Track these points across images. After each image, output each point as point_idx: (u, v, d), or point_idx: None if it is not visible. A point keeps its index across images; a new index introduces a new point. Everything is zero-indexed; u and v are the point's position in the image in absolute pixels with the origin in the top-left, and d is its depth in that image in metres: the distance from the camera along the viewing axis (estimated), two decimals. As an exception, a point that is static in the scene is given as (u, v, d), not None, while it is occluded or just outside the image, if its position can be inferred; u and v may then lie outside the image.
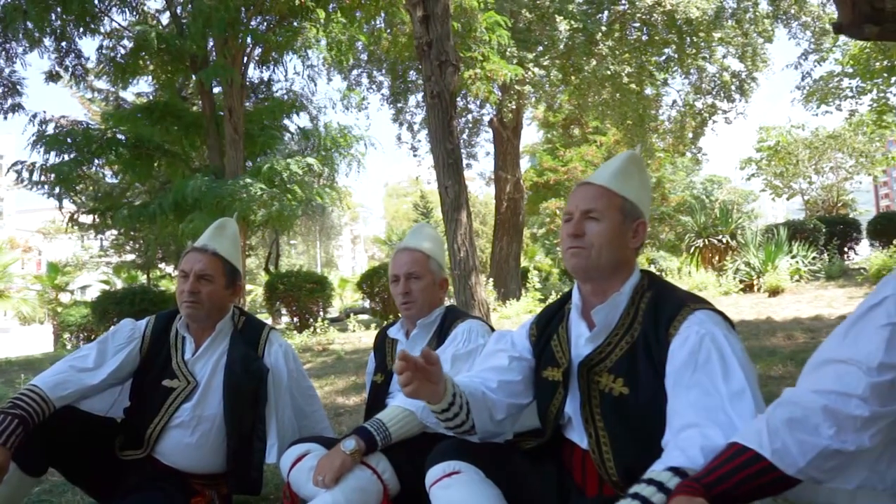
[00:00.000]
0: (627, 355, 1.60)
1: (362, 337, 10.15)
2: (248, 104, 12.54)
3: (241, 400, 2.29)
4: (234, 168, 11.00)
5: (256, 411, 2.31)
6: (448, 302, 2.84)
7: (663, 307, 1.60)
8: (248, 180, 10.49)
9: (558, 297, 1.93)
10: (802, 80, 16.81)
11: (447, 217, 6.18)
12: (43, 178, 11.39)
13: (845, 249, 15.80)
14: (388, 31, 13.64)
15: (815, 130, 28.85)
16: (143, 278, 23.96)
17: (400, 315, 2.50)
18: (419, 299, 2.35)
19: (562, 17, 13.89)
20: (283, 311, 14.21)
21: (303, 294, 13.34)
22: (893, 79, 14.99)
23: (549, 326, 1.83)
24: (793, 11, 14.75)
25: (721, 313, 1.59)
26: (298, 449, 2.13)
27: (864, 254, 16.38)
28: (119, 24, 12.15)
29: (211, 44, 11.38)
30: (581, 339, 1.71)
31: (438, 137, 6.10)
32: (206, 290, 2.28)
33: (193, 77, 12.39)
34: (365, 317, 16.53)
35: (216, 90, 12.17)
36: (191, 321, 2.33)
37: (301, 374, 2.49)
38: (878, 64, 14.31)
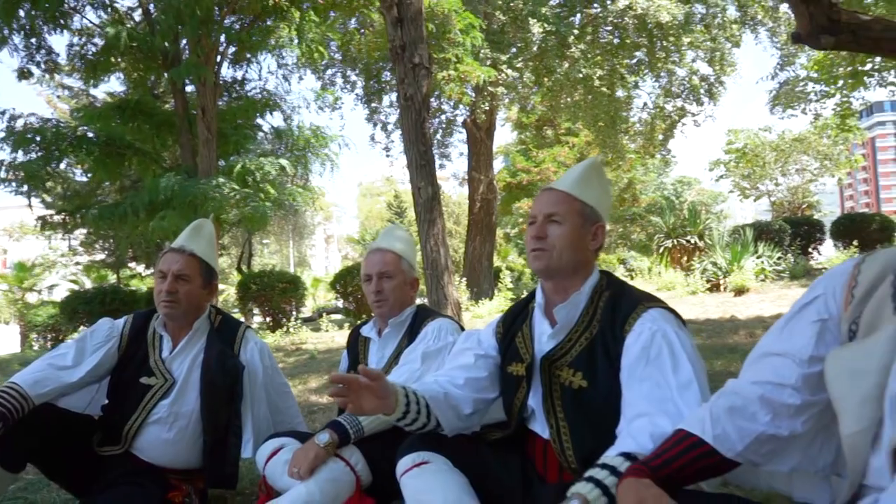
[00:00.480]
0: (586, 351, 1.71)
1: (335, 336, 10.20)
2: (221, 103, 12.49)
3: (218, 396, 2.35)
4: (206, 167, 10.96)
5: (232, 407, 2.37)
6: (420, 301, 2.93)
7: (620, 305, 1.71)
8: (221, 180, 10.46)
9: (525, 296, 2.03)
10: (780, 88, 17.21)
11: (420, 218, 6.27)
12: (11, 175, 11.23)
13: (809, 250, 16.18)
14: (362, 31, 13.67)
15: (782, 133, 29.53)
16: (113, 278, 23.67)
17: (372, 314, 2.58)
18: (391, 298, 2.43)
19: (535, 20, 14.04)
20: (256, 310, 14.18)
21: (276, 294, 13.30)
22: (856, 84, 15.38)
23: (514, 324, 1.93)
24: (759, 17, 15.08)
25: (673, 311, 1.70)
26: (274, 443, 2.21)
27: (828, 254, 16.80)
28: (90, 22, 12.03)
29: (184, 42, 11.32)
30: (544, 336, 1.81)
31: (411, 139, 6.18)
32: (184, 289, 2.34)
33: (165, 75, 12.32)
34: (338, 316, 16.54)
35: (189, 89, 12.12)
36: (168, 320, 2.39)
37: (276, 371, 2.56)
38: (841, 69, 14.67)
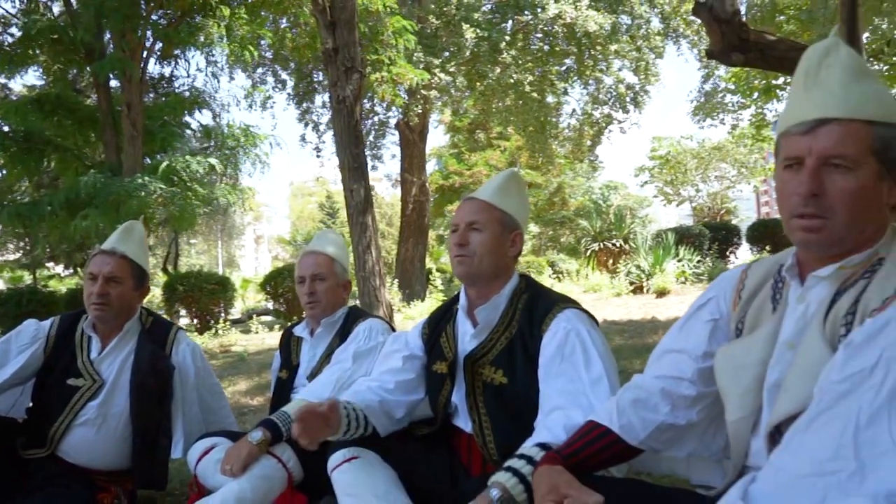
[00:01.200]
0: (506, 349, 1.82)
1: (266, 338, 10.09)
2: (147, 99, 12.15)
3: (148, 397, 2.36)
4: (131, 165, 10.66)
5: (163, 408, 2.39)
6: (352, 303, 2.99)
7: (537, 307, 1.83)
8: (147, 178, 10.19)
9: (450, 298, 2.13)
10: (701, 98, 17.96)
11: (352, 220, 6.31)
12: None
13: (727, 253, 16.95)
14: (294, 30, 13.55)
15: (702, 142, 30.84)
16: (29, 278, 22.63)
17: (304, 315, 2.64)
18: (323, 300, 2.50)
19: (468, 25, 14.25)
20: (183, 312, 13.85)
21: (203, 295, 13.04)
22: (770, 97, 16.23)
23: (439, 325, 2.03)
24: (682, 30, 15.74)
25: (586, 312, 1.83)
26: (206, 442, 2.24)
27: (744, 258, 17.62)
28: (6, 11, 11.53)
29: (108, 36, 10.97)
30: (466, 336, 1.92)
31: (344, 142, 6.22)
32: (116, 292, 2.34)
33: (88, 69, 11.90)
34: (268, 318, 16.31)
35: (113, 84, 11.73)
36: (99, 322, 2.38)
37: (208, 371, 2.58)
38: (756, 82, 15.45)
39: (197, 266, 34.28)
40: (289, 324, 3.15)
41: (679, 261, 12.75)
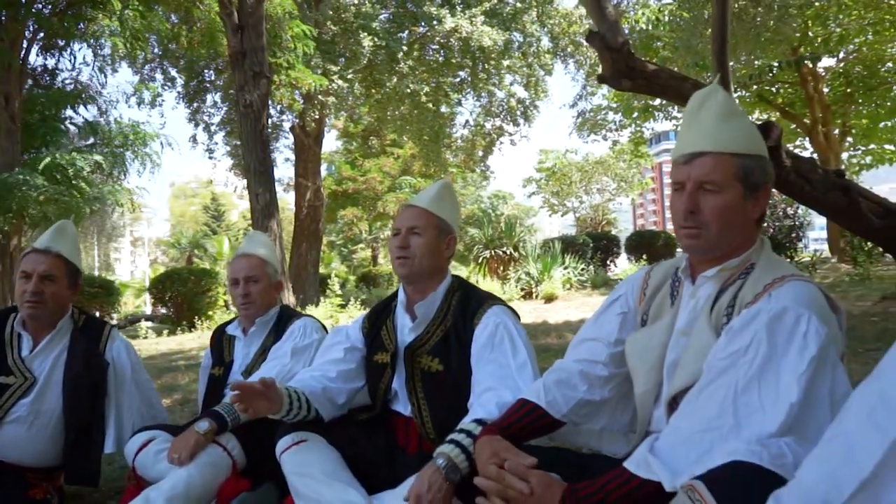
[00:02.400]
0: (442, 340, 2.06)
1: (158, 344, 9.79)
2: (26, 92, 11.45)
3: (81, 394, 2.40)
4: (9, 160, 10.05)
5: (96, 404, 2.43)
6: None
7: (469, 303, 2.08)
8: (28, 175, 9.65)
9: (387, 296, 2.34)
10: (578, 116, 19.00)
11: (257, 224, 6.34)
12: None
13: (608, 262, 18.00)
14: (188, 27, 13.21)
15: (586, 156, 32.48)
16: None
17: (237, 314, 2.75)
18: (258, 300, 2.63)
19: (365, 34, 14.42)
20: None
21: (85, 299, 12.46)
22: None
23: (378, 319, 2.24)
24: (569, 50, 16.62)
25: (511, 308, 2.11)
26: (144, 436, 2.32)
27: (623, 266, 18.76)
28: None
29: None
30: (406, 329, 2.14)
31: (250, 146, 6.26)
32: (50, 290, 2.37)
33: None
34: (150, 324, 15.68)
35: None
36: (31, 321, 2.40)
37: (140, 367, 2.64)
38: (636, 103, 16.57)
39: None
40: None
41: (565, 268, 13.45)
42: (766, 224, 11.62)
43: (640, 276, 1.80)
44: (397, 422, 2.14)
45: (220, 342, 2.77)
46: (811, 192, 4.85)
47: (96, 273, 31.95)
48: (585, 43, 15.79)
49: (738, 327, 1.40)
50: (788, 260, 8.62)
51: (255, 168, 6.27)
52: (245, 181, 15.78)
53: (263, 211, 6.27)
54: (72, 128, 11.81)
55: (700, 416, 1.36)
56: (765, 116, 17.96)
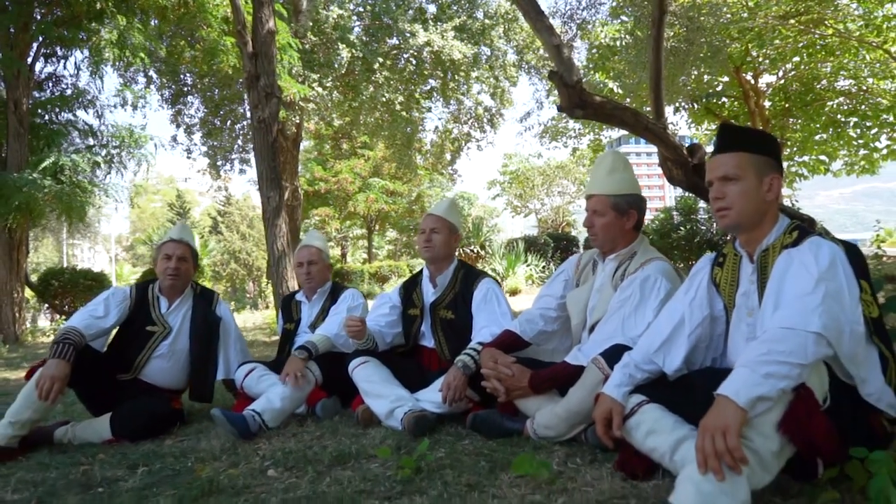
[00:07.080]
0: (453, 300, 3.25)
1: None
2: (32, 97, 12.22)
3: (202, 339, 3.51)
4: (17, 161, 10.87)
5: (211, 346, 3.54)
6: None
7: (469, 276, 3.29)
8: (36, 175, 10.52)
9: (414, 273, 3.52)
10: (528, 127, 20.40)
11: (268, 223, 7.38)
12: None
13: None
14: (192, 40, 14.07)
15: (548, 161, 33.95)
16: None
17: (300, 287, 3.91)
18: (317, 277, 3.79)
19: (343, 45, 15.48)
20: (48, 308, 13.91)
21: (80, 291, 13.29)
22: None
23: (410, 287, 3.44)
24: (533, 63, 17.91)
25: (496, 279, 3.32)
26: (248, 367, 3.46)
27: (581, 265, 20.09)
28: None
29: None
30: (429, 293, 3.33)
31: (263, 156, 7.31)
32: (184, 267, 3.49)
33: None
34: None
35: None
36: (169, 289, 3.50)
37: (237, 324, 3.76)
38: (593, 113, 17.91)
39: (37, 265, 32.50)
40: (289, 293, 4.26)
41: (528, 266, 14.73)
42: (703, 227, 13.10)
43: (575, 258, 3.01)
44: (423, 352, 3.33)
45: (289, 305, 3.92)
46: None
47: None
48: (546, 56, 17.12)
49: (625, 285, 2.62)
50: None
51: (267, 175, 7.31)
52: (216, 182, 17.06)
53: (274, 211, 7.31)
54: (73, 131, 12.61)
55: (604, 332, 2.58)
56: (713, 127, 19.52)
